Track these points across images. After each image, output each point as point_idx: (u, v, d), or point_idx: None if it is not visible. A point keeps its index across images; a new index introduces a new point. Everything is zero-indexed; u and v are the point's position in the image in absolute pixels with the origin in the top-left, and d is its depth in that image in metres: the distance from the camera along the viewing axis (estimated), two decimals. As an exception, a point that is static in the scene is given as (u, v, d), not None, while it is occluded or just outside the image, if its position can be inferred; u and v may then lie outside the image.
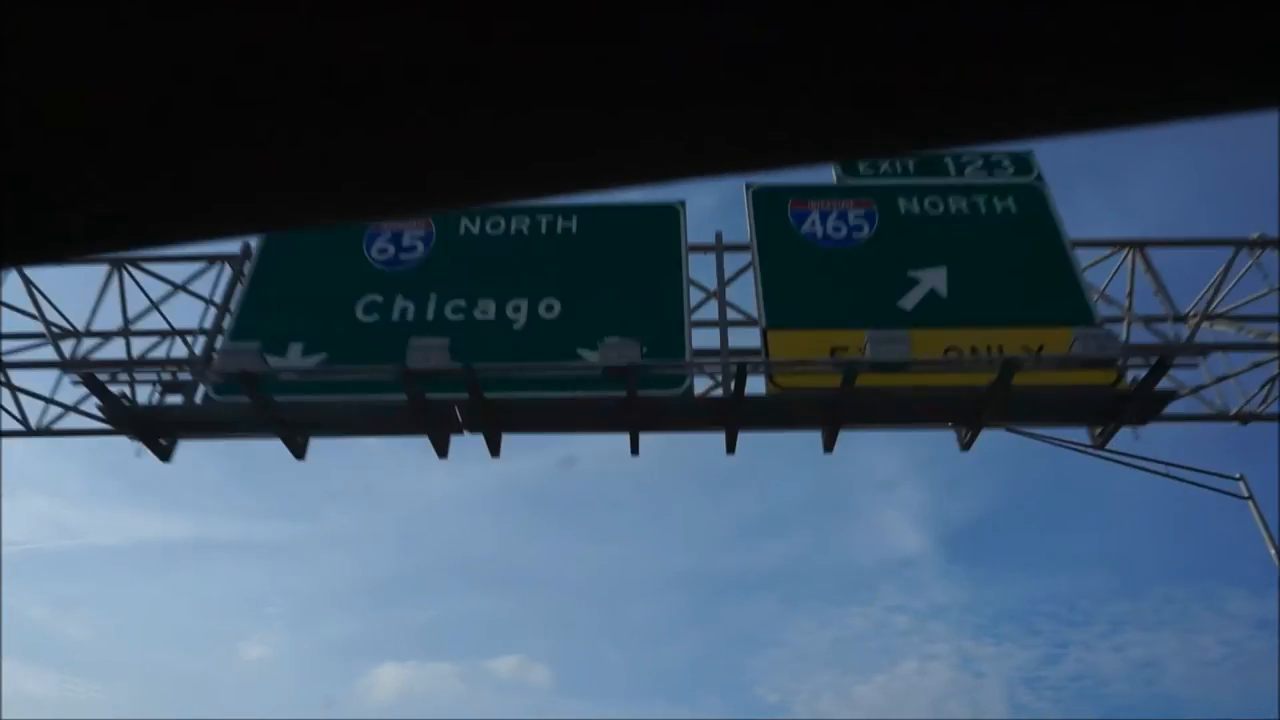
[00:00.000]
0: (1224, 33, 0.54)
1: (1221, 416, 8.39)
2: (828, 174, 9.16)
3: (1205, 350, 7.97)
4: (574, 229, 8.50)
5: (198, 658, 28.46)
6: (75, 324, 9.09)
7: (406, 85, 0.60)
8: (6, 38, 0.57)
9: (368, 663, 29.56)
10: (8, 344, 8.78)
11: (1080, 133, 0.61)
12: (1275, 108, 0.59)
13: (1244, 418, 8.27)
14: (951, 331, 7.82)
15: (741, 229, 8.65)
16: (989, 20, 0.55)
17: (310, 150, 0.66)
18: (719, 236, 8.76)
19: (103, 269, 8.97)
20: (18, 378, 8.50)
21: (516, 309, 8.13)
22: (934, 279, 8.28)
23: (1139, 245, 8.83)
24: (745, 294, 8.42)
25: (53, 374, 8.48)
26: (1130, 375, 7.59)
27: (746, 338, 8.31)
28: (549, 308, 8.11)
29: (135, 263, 8.87)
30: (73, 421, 8.54)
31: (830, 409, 7.51)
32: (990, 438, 8.05)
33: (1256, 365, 8.34)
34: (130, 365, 8.30)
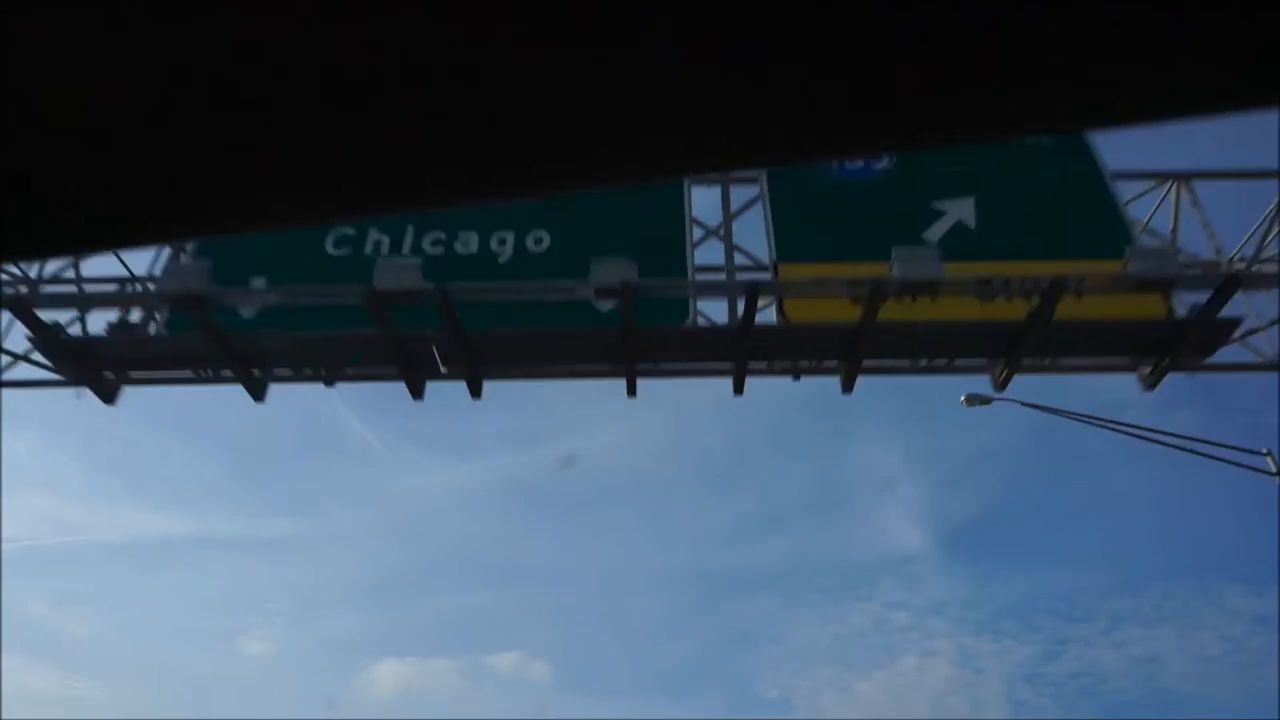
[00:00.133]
0: (1223, 33, 0.55)
1: (1273, 365, 7.58)
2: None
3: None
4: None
5: (198, 654, 28.66)
6: (27, 272, 8.32)
7: (406, 85, 0.62)
8: (6, 38, 0.58)
9: (368, 659, 29.68)
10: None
11: (1079, 130, 0.64)
12: (1276, 106, 0.62)
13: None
14: (982, 265, 7.03)
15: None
16: (988, 20, 0.56)
17: (310, 150, 0.67)
18: (724, 166, 7.98)
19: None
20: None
21: (502, 241, 7.35)
22: (961, 210, 7.52)
23: (1183, 177, 8.06)
24: (753, 234, 7.65)
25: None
26: (1179, 312, 6.80)
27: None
28: (538, 240, 7.34)
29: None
30: (22, 373, 7.74)
31: (849, 341, 6.71)
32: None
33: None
34: (76, 300, 7.49)
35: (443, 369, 6.96)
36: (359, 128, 0.64)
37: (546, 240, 7.30)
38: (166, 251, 7.69)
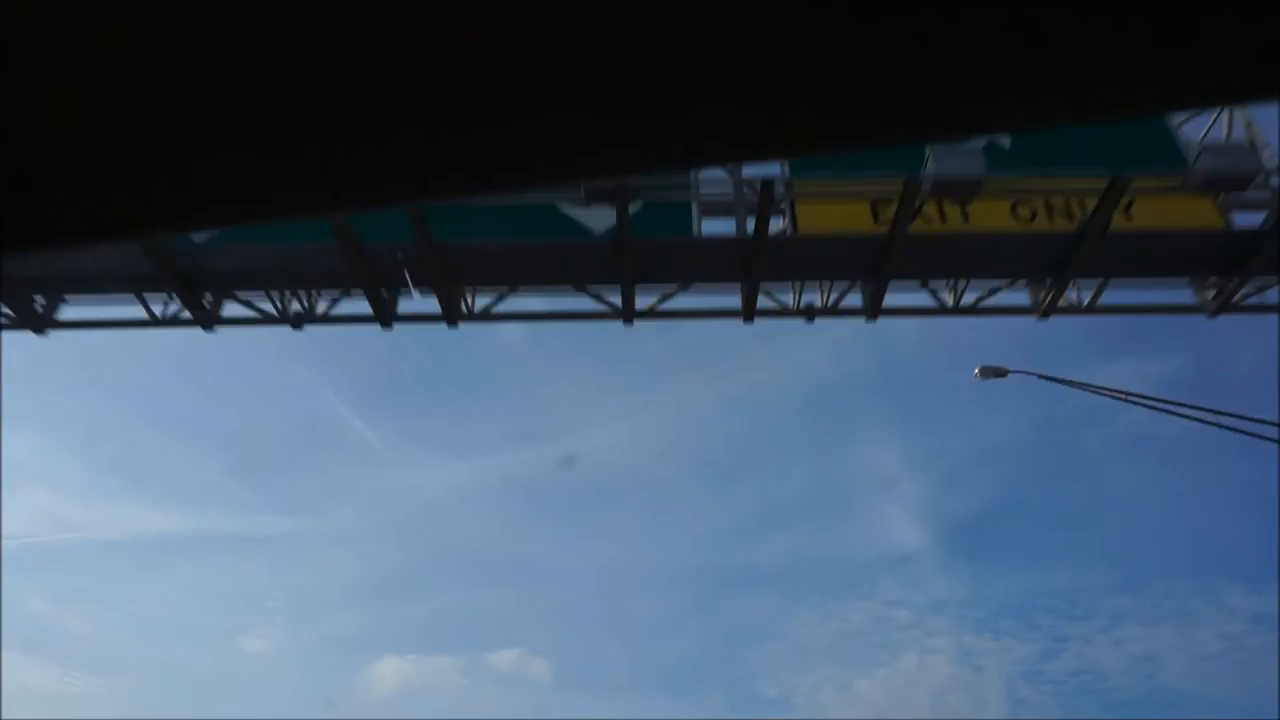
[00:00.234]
0: (1221, 32, 0.56)
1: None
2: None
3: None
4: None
5: (198, 651, 28.65)
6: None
7: (406, 85, 0.63)
8: (6, 38, 0.59)
9: (368, 656, 29.36)
10: None
11: (1076, 123, 0.65)
12: (1273, 101, 0.64)
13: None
14: (1019, 180, 6.25)
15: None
16: (988, 19, 0.57)
17: (311, 150, 0.68)
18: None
19: None
20: None
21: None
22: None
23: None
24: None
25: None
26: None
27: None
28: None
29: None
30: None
31: (874, 257, 5.89)
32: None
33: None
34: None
35: (413, 289, 6.14)
36: (360, 128, 0.66)
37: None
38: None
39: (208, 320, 6.48)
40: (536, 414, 29.42)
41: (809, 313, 7.56)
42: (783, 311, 7.57)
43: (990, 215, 5.96)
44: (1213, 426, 12.01)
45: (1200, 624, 24.48)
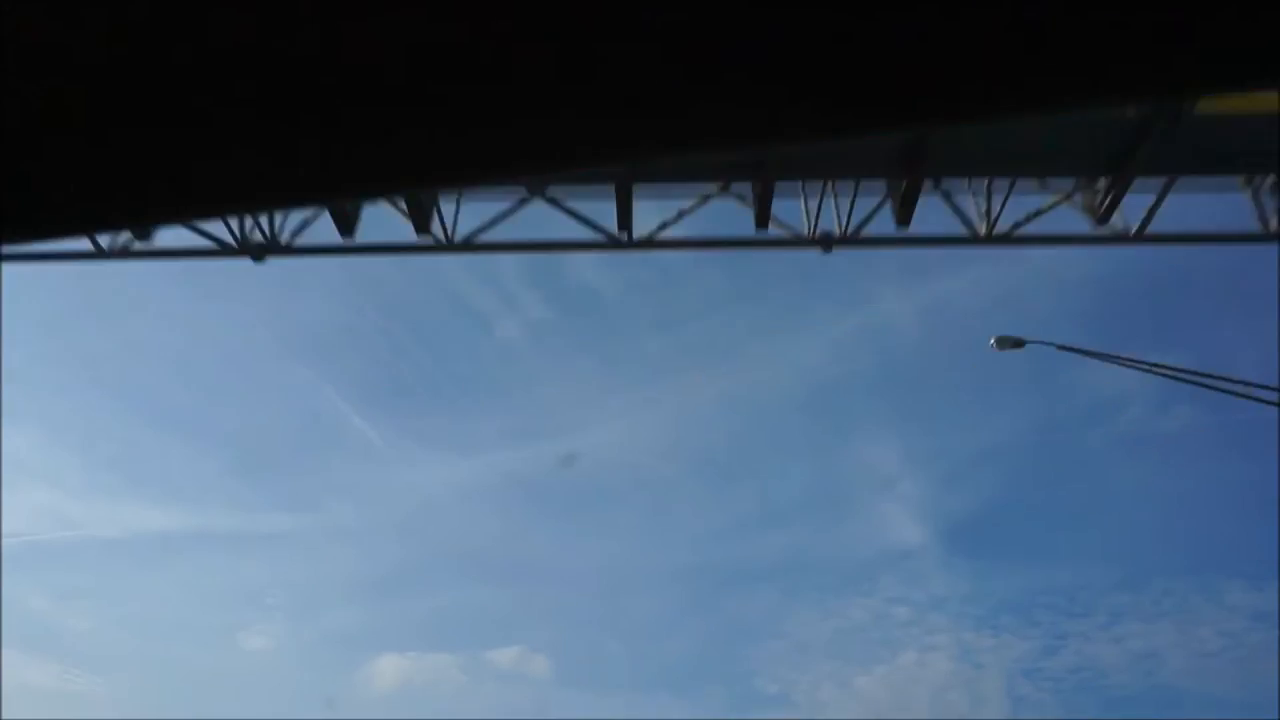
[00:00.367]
0: (1220, 31, 0.57)
1: None
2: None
3: None
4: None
5: (198, 648, 28.96)
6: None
7: (406, 85, 0.64)
8: (6, 38, 0.61)
9: (368, 653, 29.31)
10: None
11: (1075, 109, 0.66)
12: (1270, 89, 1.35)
13: None
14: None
15: None
16: (987, 20, 0.58)
17: (310, 150, 0.69)
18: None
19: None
20: None
21: None
22: None
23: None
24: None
25: None
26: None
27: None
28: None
29: None
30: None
31: (905, 151, 5.17)
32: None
33: None
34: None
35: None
36: (360, 128, 0.67)
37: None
38: None
39: (159, 253, 5.79)
40: (537, 412, 29.60)
41: (826, 242, 6.85)
42: (797, 242, 6.87)
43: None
44: (1240, 398, 11.40)
45: (1200, 621, 24.36)
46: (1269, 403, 11.21)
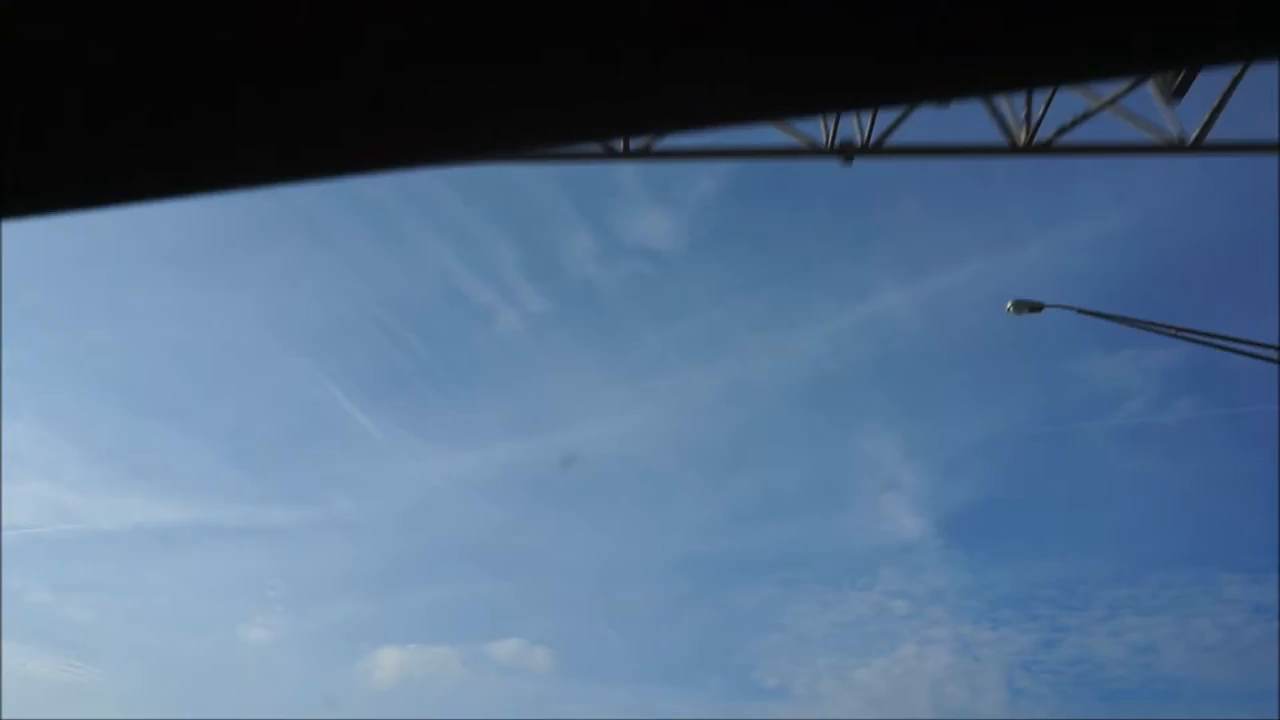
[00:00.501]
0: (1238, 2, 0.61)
1: None
2: None
3: None
4: None
5: (199, 641, 29.04)
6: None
7: (385, 56, 0.67)
8: (9, 13, 0.65)
9: (369, 646, 29.59)
10: None
11: (1086, 81, 1.53)
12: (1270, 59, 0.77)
13: None
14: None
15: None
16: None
17: (294, 114, 0.72)
18: None
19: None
20: None
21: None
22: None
23: None
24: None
25: None
26: None
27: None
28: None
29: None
30: None
31: None
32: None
33: None
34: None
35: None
36: (343, 117, 0.70)
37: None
38: None
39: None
40: (536, 405, 29.61)
41: (847, 151, 6.25)
42: (814, 151, 6.29)
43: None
44: (1269, 362, 10.76)
45: (1198, 614, 24.33)
46: (1234, 350, 10.55)
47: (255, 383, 29.86)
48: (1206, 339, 11.16)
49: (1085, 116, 5.86)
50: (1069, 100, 5.96)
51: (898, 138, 6.09)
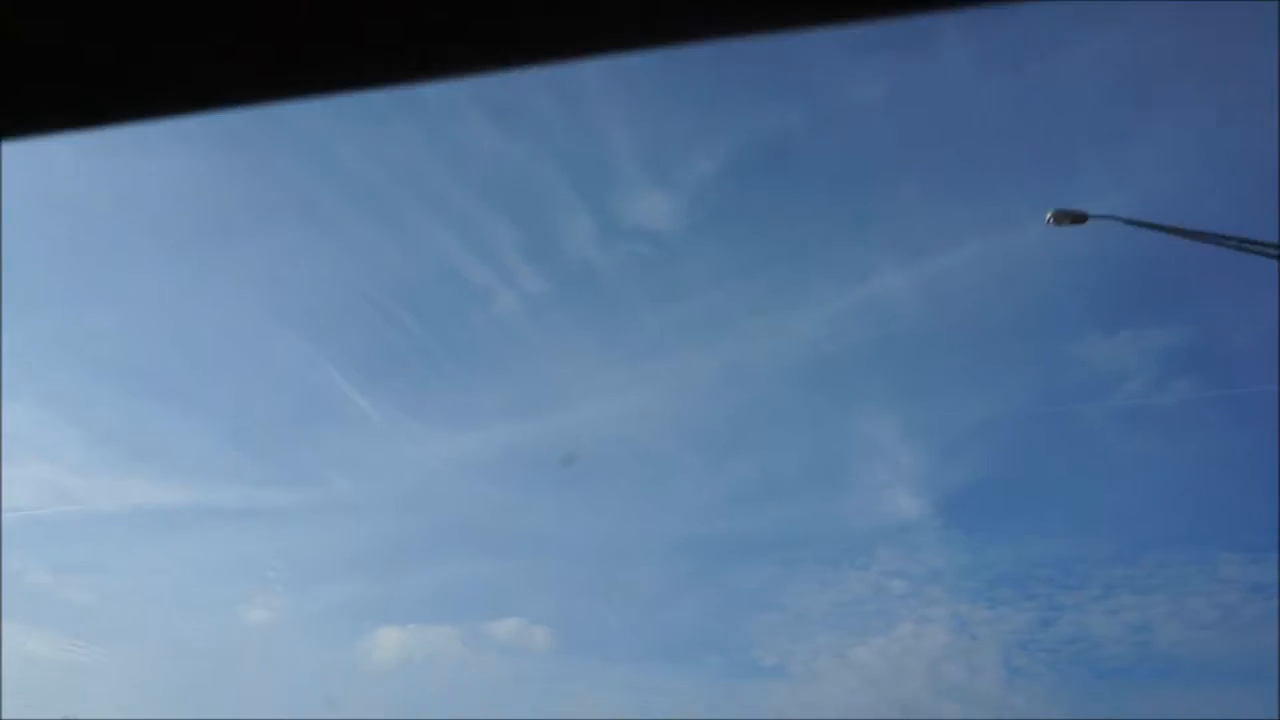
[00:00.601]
0: None
1: None
2: None
3: None
4: None
5: (200, 621, 29.73)
6: None
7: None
8: None
9: (369, 626, 29.43)
10: None
11: None
12: None
13: None
14: None
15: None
16: None
17: (280, 39, 0.80)
18: None
19: None
20: None
21: None
22: None
23: None
24: None
25: None
26: None
27: None
28: None
29: None
30: None
31: None
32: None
33: None
34: None
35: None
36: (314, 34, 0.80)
37: None
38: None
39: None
40: (535, 387, 29.19)
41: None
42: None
43: None
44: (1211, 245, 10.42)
45: (1195, 593, 24.70)
46: (1233, 246, 10.08)
47: (255, 365, 29.74)
48: (1236, 243, 10.63)
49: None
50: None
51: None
